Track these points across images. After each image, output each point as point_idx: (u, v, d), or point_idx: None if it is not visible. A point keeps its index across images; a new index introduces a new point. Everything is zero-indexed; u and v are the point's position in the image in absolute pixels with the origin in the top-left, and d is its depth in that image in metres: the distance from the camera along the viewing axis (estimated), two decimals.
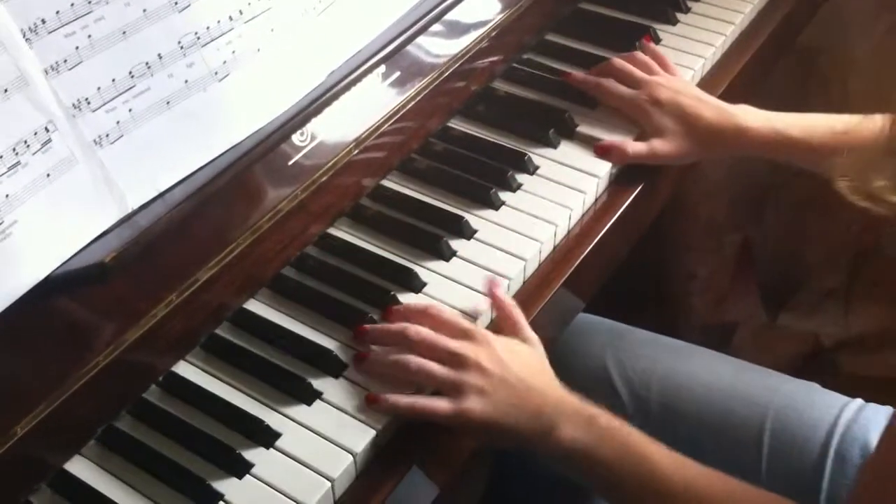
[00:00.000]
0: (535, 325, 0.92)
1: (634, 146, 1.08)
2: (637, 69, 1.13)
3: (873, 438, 0.96)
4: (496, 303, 0.91)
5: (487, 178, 1.04)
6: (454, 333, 0.86)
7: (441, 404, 0.82)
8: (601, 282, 1.07)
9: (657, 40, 1.23)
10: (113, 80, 0.82)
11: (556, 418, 0.82)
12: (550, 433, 0.82)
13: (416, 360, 0.84)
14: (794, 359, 1.71)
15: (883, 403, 1.01)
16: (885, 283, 1.64)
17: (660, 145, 1.08)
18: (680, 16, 1.27)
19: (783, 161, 1.11)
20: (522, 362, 0.85)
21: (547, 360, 0.88)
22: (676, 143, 1.08)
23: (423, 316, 0.88)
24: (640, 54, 1.16)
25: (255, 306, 0.93)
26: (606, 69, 1.15)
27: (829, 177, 0.82)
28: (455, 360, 0.83)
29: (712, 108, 1.09)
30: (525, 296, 0.96)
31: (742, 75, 1.24)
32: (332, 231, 1.00)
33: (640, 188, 1.08)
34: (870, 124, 0.89)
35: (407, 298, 0.93)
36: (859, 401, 1.01)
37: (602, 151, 1.08)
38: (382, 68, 1.01)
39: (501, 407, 0.82)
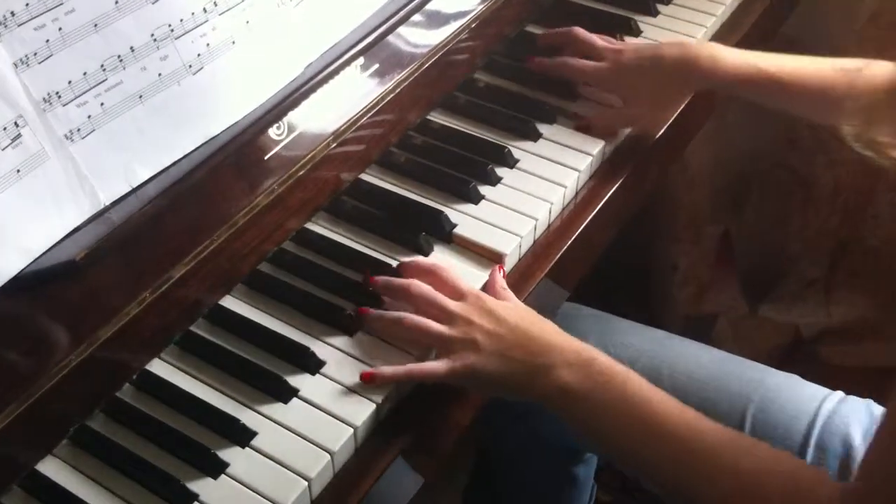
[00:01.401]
0: None
1: (608, 116, 1.10)
2: (597, 39, 1.13)
3: (853, 430, 0.96)
4: (489, 279, 0.93)
5: (467, 171, 1.03)
6: (452, 294, 0.88)
7: (436, 364, 0.84)
8: (581, 276, 1.06)
9: (638, 32, 1.22)
10: (84, 74, 0.80)
11: (551, 361, 0.83)
12: (543, 375, 0.82)
13: (411, 317, 0.86)
14: (774, 350, 1.72)
15: (862, 393, 1.02)
16: (865, 273, 1.65)
17: (634, 105, 1.09)
18: (661, 7, 1.26)
19: (769, 104, 1.09)
20: (516, 314, 0.87)
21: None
22: (648, 95, 1.09)
23: (427, 274, 0.91)
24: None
25: (230, 303, 0.92)
26: (569, 37, 1.15)
27: (823, 122, 0.81)
28: (449, 318, 0.86)
29: (675, 45, 1.10)
30: None
31: None
32: (310, 226, 0.99)
33: (621, 181, 1.07)
34: (875, 69, 0.89)
35: None
36: (840, 393, 1.02)
37: (583, 129, 1.09)
38: (361, 60, 1.00)
39: (494, 358, 0.84)
